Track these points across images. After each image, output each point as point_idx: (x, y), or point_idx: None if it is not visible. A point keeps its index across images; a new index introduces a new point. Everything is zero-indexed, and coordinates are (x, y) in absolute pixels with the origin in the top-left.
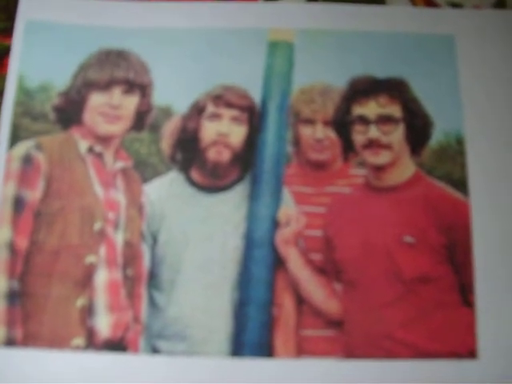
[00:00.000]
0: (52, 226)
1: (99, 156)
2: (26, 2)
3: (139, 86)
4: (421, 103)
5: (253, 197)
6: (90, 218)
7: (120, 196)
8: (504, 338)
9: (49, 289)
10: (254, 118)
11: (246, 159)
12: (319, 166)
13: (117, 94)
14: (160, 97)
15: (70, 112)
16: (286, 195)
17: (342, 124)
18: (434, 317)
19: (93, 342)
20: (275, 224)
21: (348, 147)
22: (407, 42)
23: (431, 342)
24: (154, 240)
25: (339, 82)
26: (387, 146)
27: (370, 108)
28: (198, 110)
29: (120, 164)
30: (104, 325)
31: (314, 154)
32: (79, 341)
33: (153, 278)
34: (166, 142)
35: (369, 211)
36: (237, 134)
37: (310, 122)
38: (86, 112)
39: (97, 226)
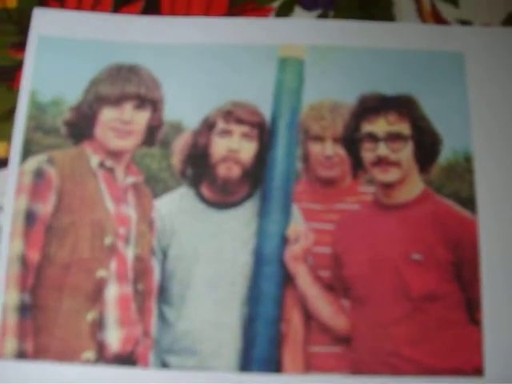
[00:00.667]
0: (63, 240)
1: (110, 171)
2: (39, 16)
3: (150, 102)
4: (429, 121)
5: (262, 213)
6: (100, 233)
7: (131, 211)
8: (510, 356)
9: (60, 302)
10: (264, 134)
11: (256, 176)
12: (328, 183)
13: (128, 109)
14: (171, 112)
15: (81, 127)
16: (295, 212)
17: (352, 141)
18: (441, 334)
19: (103, 356)
20: (284, 240)
21: (357, 164)
22: (416, 59)
23: (438, 359)
24: (164, 255)
25: (349, 98)
26: (396, 164)
27: (378, 125)
28: (208, 126)
29: (131, 179)
30: (114, 339)
31: (324, 170)
32: (89, 354)
33: (163, 293)
34: (177, 158)
35: (377, 228)
36: (247, 150)
37: (319, 138)
38: (97, 127)
39: (107, 240)
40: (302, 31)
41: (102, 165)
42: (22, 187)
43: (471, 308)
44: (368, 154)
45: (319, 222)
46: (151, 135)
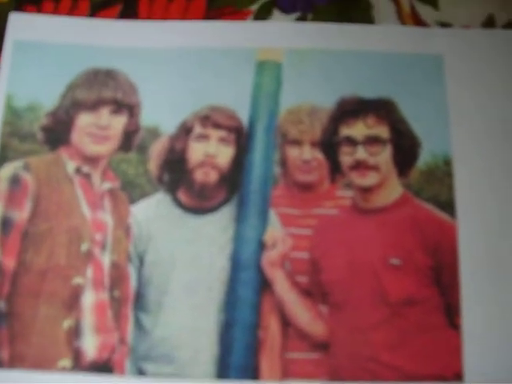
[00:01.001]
0: (39, 247)
1: (87, 177)
2: (15, 21)
3: (127, 106)
4: (409, 124)
5: (239, 218)
6: (77, 239)
7: (107, 217)
8: (490, 360)
9: (36, 309)
10: (242, 138)
11: (233, 180)
12: (306, 188)
13: (105, 114)
14: (147, 117)
15: (57, 132)
16: (273, 217)
17: (330, 145)
18: (420, 339)
19: (79, 364)
20: (262, 246)
21: (335, 168)
22: (396, 62)
23: (417, 364)
24: (141, 261)
25: (327, 102)
26: (374, 168)
27: (357, 129)
28: (185, 131)
29: (107, 185)
30: (90, 346)
31: (301, 175)
32: (66, 362)
33: (139, 300)
34: (154, 163)
35: (355, 233)
36: (224, 154)
37: (297, 142)
38: (73, 132)
39: (84, 246)
40: (281, 34)
41: (78, 171)
42: None
43: (450, 312)
44: (346, 157)
45: (297, 227)
46: (128, 140)
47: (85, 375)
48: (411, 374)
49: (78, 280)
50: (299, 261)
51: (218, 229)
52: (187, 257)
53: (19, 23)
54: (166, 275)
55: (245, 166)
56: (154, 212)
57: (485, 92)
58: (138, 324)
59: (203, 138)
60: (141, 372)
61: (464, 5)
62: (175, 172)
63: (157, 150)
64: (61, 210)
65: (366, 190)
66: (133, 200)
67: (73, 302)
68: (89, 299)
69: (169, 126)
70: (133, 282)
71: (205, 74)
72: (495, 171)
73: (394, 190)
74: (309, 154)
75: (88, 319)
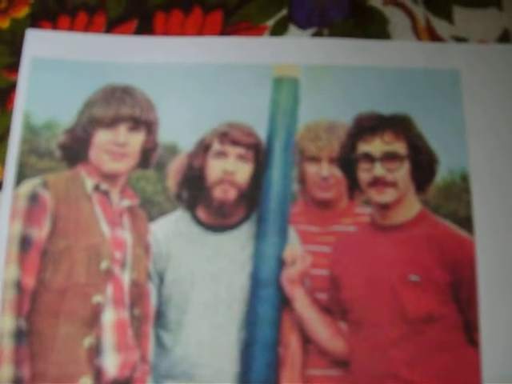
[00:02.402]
0: (59, 265)
1: (105, 194)
2: (32, 38)
3: (145, 123)
4: (426, 140)
5: (258, 236)
6: (96, 257)
7: (126, 235)
8: (509, 376)
9: (56, 328)
10: (260, 155)
11: (252, 198)
12: (324, 205)
13: (122, 131)
14: (165, 134)
15: (75, 149)
16: (292, 234)
17: (348, 162)
18: (439, 356)
19: (100, 382)
20: (281, 263)
21: (353, 185)
22: (412, 77)
23: (436, 381)
24: (161, 279)
25: (344, 118)
26: (392, 184)
27: (375, 145)
28: (203, 148)
29: (126, 202)
30: (111, 364)
31: (320, 192)
32: (86, 380)
33: (159, 318)
34: (172, 180)
35: (374, 250)
36: (243, 171)
37: (315, 159)
38: (91, 149)
39: (103, 265)
40: (297, 50)
41: (97, 188)
42: (17, 212)
43: (469, 329)
44: (364, 174)
45: (316, 245)
46: (146, 157)
47: None
48: None
49: (97, 298)
50: (319, 278)
51: (238, 246)
52: (207, 275)
53: (36, 40)
54: (185, 293)
55: (263, 183)
56: (173, 230)
57: (502, 107)
58: (159, 342)
59: (221, 155)
60: None
61: (479, 19)
62: (194, 189)
63: (175, 168)
64: (79, 227)
65: (385, 207)
66: (152, 217)
67: (93, 320)
68: (109, 317)
69: (187, 142)
70: (153, 300)
71: (222, 90)
72: None
73: (412, 207)
74: (327, 170)
75: (108, 337)
